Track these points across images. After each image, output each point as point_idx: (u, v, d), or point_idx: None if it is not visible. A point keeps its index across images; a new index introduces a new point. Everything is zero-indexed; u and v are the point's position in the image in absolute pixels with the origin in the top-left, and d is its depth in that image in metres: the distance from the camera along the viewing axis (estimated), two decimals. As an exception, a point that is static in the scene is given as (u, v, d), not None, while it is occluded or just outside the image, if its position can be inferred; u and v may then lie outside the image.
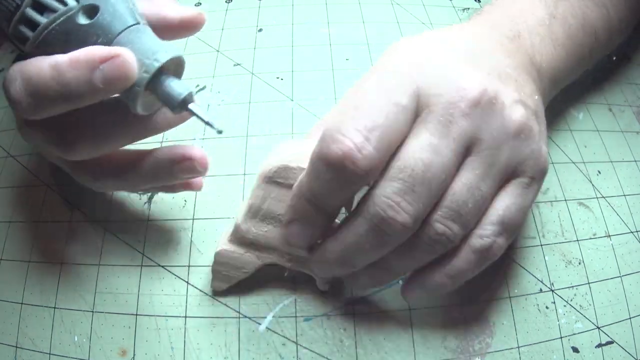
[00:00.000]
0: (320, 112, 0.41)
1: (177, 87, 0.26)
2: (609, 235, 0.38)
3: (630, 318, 0.35)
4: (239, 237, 0.32)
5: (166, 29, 0.30)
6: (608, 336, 0.34)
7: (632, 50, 0.49)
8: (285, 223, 0.30)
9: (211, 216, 0.37)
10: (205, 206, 0.37)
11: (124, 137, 0.29)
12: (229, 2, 0.51)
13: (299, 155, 0.30)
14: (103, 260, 0.35)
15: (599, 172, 0.41)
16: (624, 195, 0.40)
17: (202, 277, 0.34)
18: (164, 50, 0.26)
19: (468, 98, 0.26)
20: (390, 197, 0.25)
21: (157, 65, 0.26)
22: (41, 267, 0.36)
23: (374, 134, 0.25)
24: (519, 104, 0.28)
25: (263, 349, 0.32)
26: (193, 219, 0.37)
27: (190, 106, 0.27)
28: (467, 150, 0.27)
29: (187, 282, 0.34)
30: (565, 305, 0.35)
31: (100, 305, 0.34)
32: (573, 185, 0.40)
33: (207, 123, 0.27)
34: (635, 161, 0.42)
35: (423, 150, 0.26)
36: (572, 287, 0.35)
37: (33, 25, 0.27)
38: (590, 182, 0.40)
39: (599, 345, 0.34)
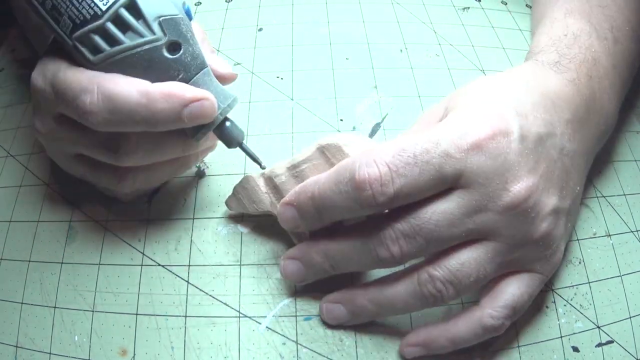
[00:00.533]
0: (320, 111, 0.41)
1: (236, 130, 0.32)
2: (609, 235, 0.38)
3: (630, 317, 0.35)
4: (269, 176, 0.33)
5: None
6: (608, 335, 0.34)
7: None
8: (283, 201, 0.32)
9: (211, 216, 0.37)
10: (205, 206, 0.37)
11: (172, 152, 0.32)
12: (229, 2, 0.51)
13: (357, 146, 0.32)
14: (103, 259, 0.35)
15: (599, 171, 0.41)
16: (624, 195, 0.40)
17: (202, 276, 0.34)
18: (232, 98, 0.31)
19: (507, 201, 0.28)
20: (394, 230, 0.28)
21: (229, 110, 0.31)
22: (41, 266, 0.36)
23: (400, 181, 0.27)
24: (551, 215, 0.29)
25: (263, 348, 0.32)
26: (193, 219, 0.37)
27: (244, 145, 0.33)
28: (483, 236, 0.29)
29: (187, 282, 0.34)
30: (565, 305, 0.35)
31: (100, 305, 0.34)
32: (573, 185, 0.40)
33: (256, 161, 0.33)
34: (636, 161, 0.42)
35: (442, 215, 0.28)
36: (573, 286, 0.35)
37: (111, 40, 0.29)
38: (591, 181, 0.40)
39: (599, 345, 0.34)
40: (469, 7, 0.52)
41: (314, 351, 0.32)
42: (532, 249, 0.29)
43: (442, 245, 0.29)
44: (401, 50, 0.46)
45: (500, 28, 0.50)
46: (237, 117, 0.41)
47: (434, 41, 0.48)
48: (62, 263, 0.36)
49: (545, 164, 0.29)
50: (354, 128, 0.41)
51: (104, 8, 0.28)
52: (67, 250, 0.36)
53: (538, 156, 0.29)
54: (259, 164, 0.33)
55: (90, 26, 0.28)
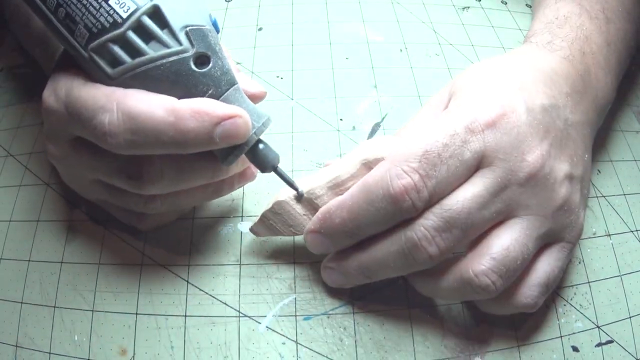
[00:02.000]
0: (320, 111, 0.41)
1: (270, 153, 0.30)
2: (609, 235, 0.38)
3: (630, 317, 0.35)
4: (308, 198, 0.32)
5: None
6: (608, 335, 0.34)
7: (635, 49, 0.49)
8: (308, 229, 0.31)
9: (211, 216, 0.37)
10: (205, 206, 0.37)
11: (201, 179, 0.30)
12: (229, 2, 0.51)
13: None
14: (103, 259, 0.35)
15: (599, 171, 0.41)
16: (624, 195, 0.40)
17: (202, 276, 0.34)
18: (266, 117, 0.29)
19: (527, 171, 0.29)
20: (429, 229, 0.28)
21: (264, 129, 0.29)
22: (41, 266, 0.36)
23: (432, 182, 0.28)
24: (566, 180, 0.30)
25: (263, 348, 0.32)
26: (193, 219, 0.37)
27: (279, 169, 0.30)
28: (511, 212, 0.29)
29: (187, 281, 0.34)
30: (565, 305, 0.35)
31: (100, 304, 0.34)
32: (573, 185, 0.40)
33: (291, 185, 0.31)
34: (635, 160, 0.42)
35: (472, 200, 0.28)
36: (572, 286, 0.35)
37: (133, 51, 0.26)
38: (591, 181, 0.40)
39: (599, 344, 0.34)
40: (469, 7, 0.52)
41: (314, 351, 0.32)
42: (559, 215, 0.30)
43: (477, 232, 0.29)
44: (401, 50, 0.46)
45: (500, 28, 0.50)
46: (237, 117, 0.41)
47: (434, 41, 0.48)
48: (62, 263, 0.36)
49: (553, 133, 0.30)
50: (354, 128, 0.41)
51: (124, 15, 0.25)
52: (67, 250, 0.36)
53: (546, 126, 0.30)
54: (296, 189, 0.31)
55: (109, 35, 0.25)
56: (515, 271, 0.29)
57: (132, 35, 0.26)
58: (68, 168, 0.31)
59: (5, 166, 0.42)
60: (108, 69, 0.26)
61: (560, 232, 0.30)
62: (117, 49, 0.26)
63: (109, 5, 0.26)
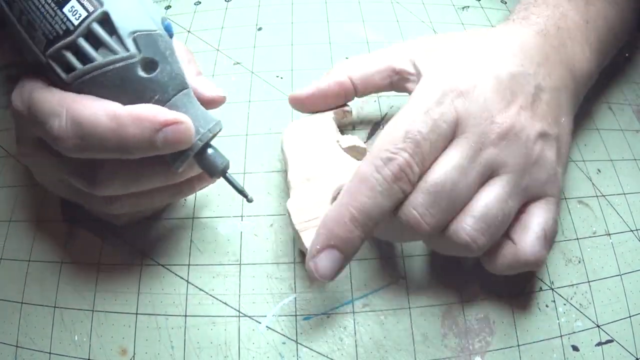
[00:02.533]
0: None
1: (218, 158, 0.30)
2: (609, 234, 0.38)
3: (630, 316, 0.35)
4: None
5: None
6: (608, 335, 0.34)
7: (632, 50, 0.49)
8: (312, 254, 0.29)
9: (211, 215, 0.37)
10: (205, 205, 0.37)
11: (154, 181, 0.30)
12: (228, 1, 0.51)
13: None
14: (103, 259, 0.35)
15: (599, 170, 0.41)
16: (624, 194, 0.40)
17: (202, 276, 0.34)
18: (214, 122, 0.29)
19: (497, 131, 0.30)
20: (417, 208, 0.29)
21: (210, 135, 0.29)
22: (41, 266, 0.36)
23: (418, 157, 0.29)
24: (540, 138, 0.31)
25: (263, 347, 0.32)
26: (193, 218, 0.37)
27: (228, 176, 0.30)
28: (491, 173, 0.30)
29: (187, 281, 0.34)
30: (565, 304, 0.35)
31: (100, 304, 0.34)
32: (573, 184, 0.40)
33: (240, 192, 0.31)
34: (635, 160, 0.42)
35: (453, 170, 0.29)
36: (572, 285, 0.35)
37: (83, 57, 0.27)
38: (590, 180, 0.40)
39: (599, 344, 0.34)
40: (468, 6, 0.52)
41: (314, 350, 0.32)
42: (535, 171, 0.31)
43: (464, 200, 0.29)
44: (401, 50, 0.46)
45: (500, 27, 0.50)
46: (237, 117, 0.41)
47: (434, 40, 0.48)
48: (62, 262, 0.36)
49: (522, 97, 0.31)
50: (354, 128, 0.41)
51: (76, 23, 0.26)
52: (67, 250, 0.36)
53: (514, 90, 0.31)
54: (245, 196, 0.31)
55: (62, 42, 0.26)
56: (498, 228, 0.29)
57: (82, 42, 0.27)
58: (36, 167, 0.32)
59: (5, 166, 0.42)
60: (63, 75, 0.27)
61: (541, 188, 0.31)
62: (69, 56, 0.27)
63: (63, 13, 0.26)
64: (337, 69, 0.38)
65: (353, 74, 0.37)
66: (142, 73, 0.27)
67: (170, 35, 0.30)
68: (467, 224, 0.29)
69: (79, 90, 0.27)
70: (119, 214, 0.34)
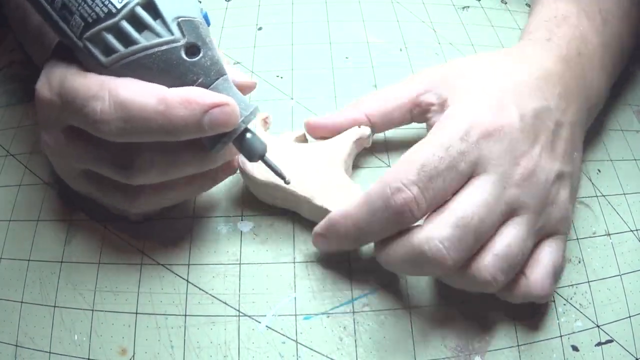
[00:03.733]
0: (320, 111, 0.41)
1: (257, 141, 0.30)
2: (609, 234, 0.38)
3: (630, 317, 0.35)
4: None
5: None
6: (608, 335, 0.34)
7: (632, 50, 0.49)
8: (316, 233, 0.33)
9: (211, 215, 0.37)
10: (205, 205, 0.37)
11: (190, 168, 0.30)
12: (228, 1, 0.51)
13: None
14: (103, 258, 0.35)
15: (599, 170, 0.41)
16: (624, 194, 0.40)
17: (201, 275, 0.34)
18: (254, 107, 0.29)
19: (521, 173, 0.30)
20: (443, 241, 0.28)
21: (253, 118, 0.29)
22: (41, 266, 0.36)
23: (429, 193, 0.29)
24: (558, 178, 0.32)
25: (263, 347, 0.32)
26: (193, 218, 0.37)
27: (266, 159, 0.30)
28: (512, 212, 0.30)
29: (187, 281, 0.34)
30: (565, 304, 0.35)
31: (100, 304, 0.34)
32: (573, 184, 0.40)
33: (279, 175, 0.31)
34: (635, 160, 0.42)
35: (481, 206, 0.29)
36: (572, 285, 0.35)
37: (126, 40, 0.27)
38: (590, 180, 0.40)
39: (599, 344, 0.34)
40: (468, 6, 0.52)
41: (314, 350, 0.32)
42: (552, 211, 0.31)
43: (486, 238, 0.29)
44: (401, 50, 0.46)
45: (500, 27, 0.50)
46: (236, 117, 0.41)
47: (434, 40, 0.48)
48: (61, 262, 0.36)
49: (544, 135, 0.32)
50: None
51: (119, 6, 0.26)
52: (67, 250, 0.36)
53: (537, 129, 0.31)
54: (283, 178, 0.31)
55: (103, 24, 0.26)
56: (516, 266, 0.30)
57: (125, 24, 0.27)
58: (60, 159, 0.32)
59: (5, 166, 0.42)
60: (102, 58, 0.27)
61: (554, 226, 0.32)
62: (110, 38, 0.27)
63: None
64: (354, 105, 0.38)
65: (371, 111, 0.37)
66: (186, 57, 0.27)
67: (208, 24, 0.30)
68: (489, 263, 0.29)
69: (118, 74, 0.27)
70: (137, 212, 0.33)
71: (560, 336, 0.34)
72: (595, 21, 0.39)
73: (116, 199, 0.32)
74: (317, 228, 0.32)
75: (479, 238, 0.29)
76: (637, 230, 0.38)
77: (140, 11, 0.27)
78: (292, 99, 0.42)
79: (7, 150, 0.42)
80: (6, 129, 0.44)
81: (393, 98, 0.37)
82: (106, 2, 0.26)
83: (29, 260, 0.36)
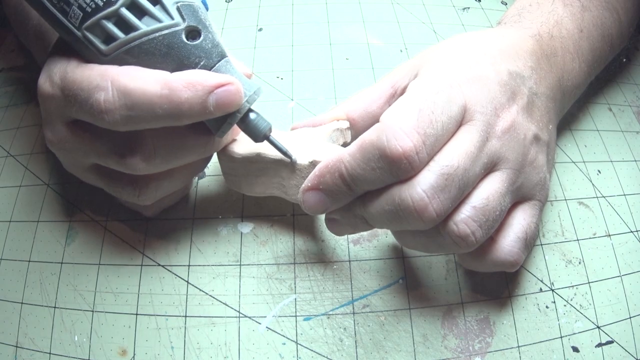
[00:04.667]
0: (320, 111, 0.41)
1: (261, 121, 0.30)
2: (609, 235, 0.38)
3: (630, 317, 0.35)
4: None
5: None
6: (608, 335, 0.34)
7: (632, 51, 0.49)
8: (304, 188, 0.30)
9: (211, 216, 0.37)
10: (205, 206, 0.37)
11: (194, 153, 0.30)
12: (229, 2, 0.51)
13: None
14: (103, 259, 0.35)
15: (599, 171, 0.41)
16: (624, 195, 0.40)
17: (202, 276, 0.34)
18: (257, 86, 0.29)
19: (502, 125, 0.30)
20: (427, 190, 0.27)
21: (256, 98, 0.29)
22: (41, 266, 0.36)
23: (430, 140, 0.27)
24: (535, 140, 0.31)
25: (263, 348, 0.32)
26: (193, 219, 0.37)
27: (272, 138, 0.30)
28: (493, 166, 0.29)
29: (187, 282, 0.34)
30: (565, 305, 0.35)
31: (100, 305, 0.34)
32: (573, 185, 0.40)
33: (284, 153, 0.31)
34: (635, 161, 0.42)
35: (465, 156, 0.28)
36: (572, 286, 0.35)
37: (126, 27, 0.27)
38: (591, 181, 0.40)
39: (599, 345, 0.34)
40: (469, 7, 0.52)
41: (314, 351, 0.32)
42: (529, 172, 0.31)
43: (469, 189, 0.28)
44: (401, 51, 0.46)
45: (500, 28, 0.50)
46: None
47: (434, 41, 0.48)
48: (62, 263, 0.36)
49: (519, 97, 0.31)
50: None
51: None
52: (67, 250, 0.36)
53: (513, 89, 0.31)
54: (289, 157, 0.31)
55: (102, 13, 0.26)
56: (494, 222, 0.29)
57: (125, 11, 0.27)
58: (66, 154, 0.31)
59: (5, 166, 0.42)
60: (102, 46, 0.27)
61: (531, 190, 0.31)
62: (110, 26, 0.27)
63: None
64: (336, 107, 0.37)
65: (350, 109, 0.36)
66: (187, 40, 0.27)
67: (207, 9, 0.30)
68: (468, 214, 0.28)
69: (119, 62, 0.27)
70: (148, 205, 0.33)
71: (561, 337, 0.34)
72: (572, 7, 0.38)
73: (126, 191, 0.31)
74: (306, 182, 0.30)
75: (462, 190, 0.28)
76: (637, 231, 0.38)
77: None
78: (292, 99, 0.42)
79: (8, 151, 0.42)
80: (6, 130, 0.44)
81: (369, 93, 0.36)
82: None
83: (29, 261, 0.36)
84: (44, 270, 0.36)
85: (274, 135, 0.30)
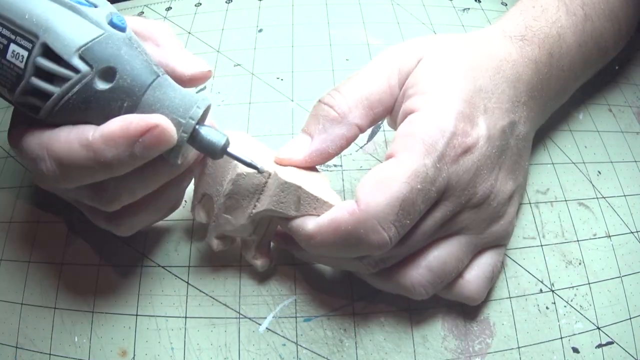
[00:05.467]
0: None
1: (214, 136, 0.27)
2: (609, 236, 0.38)
3: (630, 318, 0.35)
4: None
5: (174, 80, 0.29)
6: (608, 336, 0.34)
7: (632, 51, 0.49)
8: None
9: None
10: (205, 206, 0.37)
11: (159, 179, 0.29)
12: (229, 3, 0.51)
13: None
14: (103, 260, 0.35)
15: (599, 172, 0.41)
16: (624, 196, 0.40)
17: (202, 277, 0.34)
18: (195, 105, 0.26)
19: (475, 201, 0.30)
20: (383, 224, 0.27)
21: (193, 123, 0.26)
22: (41, 267, 0.36)
23: (405, 228, 0.28)
24: (509, 199, 0.32)
25: (263, 349, 0.32)
26: (193, 219, 0.37)
27: (230, 151, 0.27)
28: (455, 232, 0.31)
29: (187, 283, 0.34)
30: (565, 306, 0.35)
31: (100, 306, 0.34)
32: (573, 186, 0.40)
33: (249, 165, 0.28)
34: (635, 161, 0.42)
35: (429, 226, 0.29)
36: (573, 287, 0.35)
37: (43, 95, 0.26)
38: (591, 182, 0.40)
39: (599, 346, 0.34)
40: (469, 8, 0.52)
41: (314, 352, 0.32)
42: (496, 228, 0.32)
43: (420, 246, 0.30)
44: (401, 51, 0.46)
45: (500, 29, 0.50)
46: (237, 118, 0.41)
47: (434, 42, 0.48)
48: (62, 264, 0.36)
49: (505, 155, 0.31)
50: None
51: (22, 66, 0.25)
52: (68, 251, 0.36)
53: (501, 149, 0.31)
54: (255, 167, 0.28)
55: (19, 88, 0.26)
56: (448, 281, 0.31)
57: (35, 81, 0.25)
58: (54, 192, 0.32)
59: (6, 167, 0.42)
60: (34, 115, 0.27)
61: (496, 240, 0.33)
62: (31, 98, 0.26)
63: (8, 61, 0.25)
64: (333, 118, 0.33)
65: (361, 122, 0.33)
66: (102, 86, 0.26)
67: (122, 29, 0.27)
68: (423, 276, 0.30)
69: (57, 122, 0.27)
70: (120, 227, 0.32)
71: (561, 338, 0.34)
72: (575, 17, 0.37)
73: (104, 224, 0.31)
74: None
75: (414, 248, 0.30)
76: (637, 231, 0.38)
77: (42, 61, 0.25)
78: (292, 100, 0.42)
79: (8, 152, 0.42)
80: (6, 130, 0.44)
81: (378, 100, 0.32)
82: (11, 66, 0.25)
83: (29, 262, 0.36)
84: (44, 271, 0.36)
85: (233, 148, 0.28)
